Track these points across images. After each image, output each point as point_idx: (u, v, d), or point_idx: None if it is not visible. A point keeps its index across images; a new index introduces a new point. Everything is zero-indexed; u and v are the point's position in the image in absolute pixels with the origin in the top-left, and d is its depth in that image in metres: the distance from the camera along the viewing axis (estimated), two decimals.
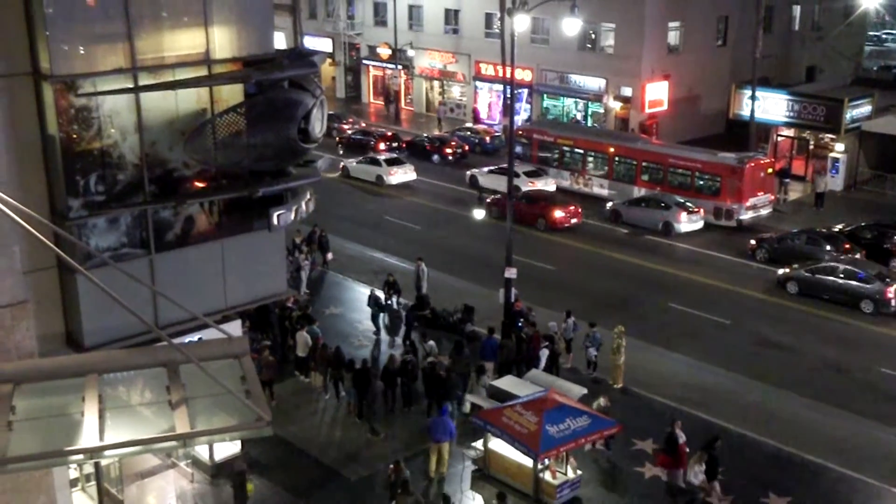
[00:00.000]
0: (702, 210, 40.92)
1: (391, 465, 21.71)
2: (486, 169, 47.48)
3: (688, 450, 21.73)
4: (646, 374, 27.77)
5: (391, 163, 48.13)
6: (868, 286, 32.43)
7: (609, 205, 42.76)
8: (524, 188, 43.73)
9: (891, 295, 32.06)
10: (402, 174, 47.70)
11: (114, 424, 8.51)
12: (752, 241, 38.03)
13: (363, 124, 58.38)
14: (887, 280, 32.59)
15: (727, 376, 28.06)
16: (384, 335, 30.28)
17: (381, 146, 52.68)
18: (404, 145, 53.65)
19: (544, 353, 26.74)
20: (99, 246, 17.97)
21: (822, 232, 37.46)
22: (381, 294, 31.00)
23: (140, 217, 18.47)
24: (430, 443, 22.72)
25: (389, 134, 54.78)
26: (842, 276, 33.04)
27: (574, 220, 41.25)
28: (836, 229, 37.97)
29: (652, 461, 23.22)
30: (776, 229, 39.83)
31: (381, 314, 30.64)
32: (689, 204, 40.96)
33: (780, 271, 34.82)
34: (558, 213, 40.96)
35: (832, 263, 33.83)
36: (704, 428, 24.88)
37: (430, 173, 49.75)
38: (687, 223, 40.45)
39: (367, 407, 24.28)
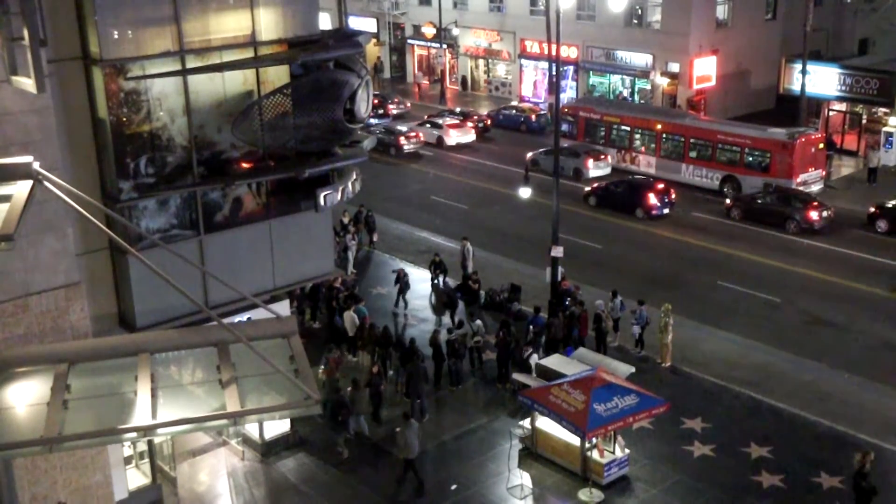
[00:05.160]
0: (608, 157, 45.06)
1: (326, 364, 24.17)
2: (407, 128, 51.02)
3: None
4: (694, 353, 27.54)
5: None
6: None
7: (529, 155, 43.44)
8: (446, 138, 50.01)
9: None
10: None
11: (166, 403, 8.65)
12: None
13: (408, 104, 58.41)
14: None
15: (778, 355, 27.72)
16: (430, 314, 30.37)
17: None
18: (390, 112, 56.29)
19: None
20: (149, 227, 18.23)
21: (784, 189, 38.87)
22: (417, 272, 31.08)
23: (189, 199, 18.70)
24: None
25: (376, 101, 55.69)
26: None
27: None
28: (890, 205, 37.28)
29: (701, 440, 23.10)
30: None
31: (404, 294, 30.77)
32: (598, 150, 45.08)
33: None
34: None
35: None
36: (753, 406, 24.70)
37: (477, 152, 49.85)
38: (594, 169, 44.49)
39: (413, 387, 24.30)
